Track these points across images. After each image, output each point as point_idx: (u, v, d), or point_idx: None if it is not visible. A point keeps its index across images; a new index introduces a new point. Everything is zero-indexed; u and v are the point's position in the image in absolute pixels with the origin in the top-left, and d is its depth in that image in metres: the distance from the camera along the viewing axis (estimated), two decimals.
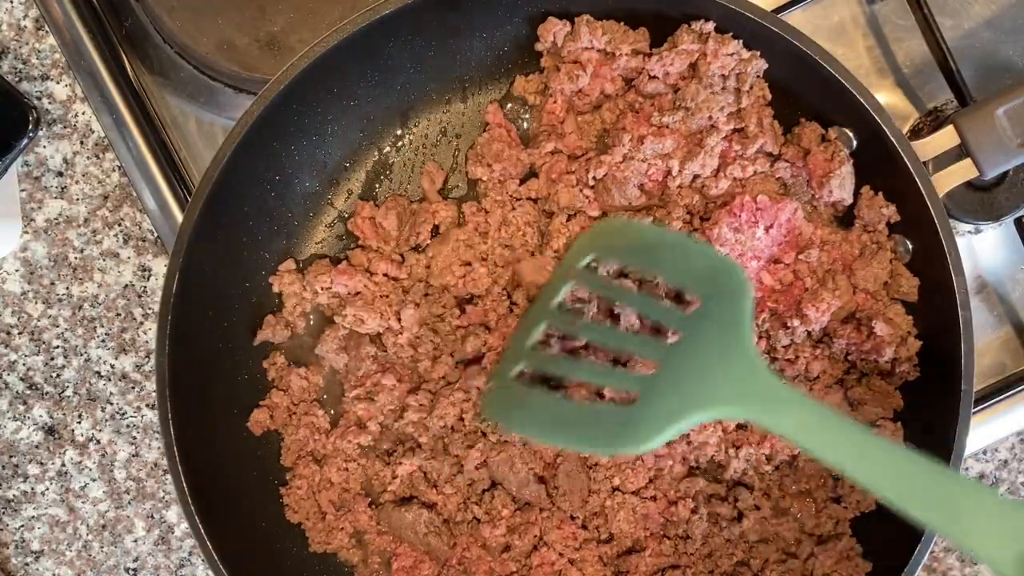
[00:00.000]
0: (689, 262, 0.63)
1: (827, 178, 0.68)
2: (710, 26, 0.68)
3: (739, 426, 0.71)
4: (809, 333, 0.69)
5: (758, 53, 0.68)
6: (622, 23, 0.70)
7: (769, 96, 0.70)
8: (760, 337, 0.69)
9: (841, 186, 0.68)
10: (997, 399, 0.80)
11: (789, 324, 0.67)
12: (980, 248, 0.81)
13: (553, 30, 0.70)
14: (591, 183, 0.70)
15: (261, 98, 0.66)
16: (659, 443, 0.59)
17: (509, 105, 0.76)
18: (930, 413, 0.68)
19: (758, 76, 0.69)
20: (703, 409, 0.58)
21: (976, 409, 0.79)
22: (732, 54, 0.68)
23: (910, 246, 0.69)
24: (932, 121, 0.78)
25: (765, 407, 0.56)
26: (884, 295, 0.69)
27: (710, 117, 0.68)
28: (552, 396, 0.68)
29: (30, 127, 0.74)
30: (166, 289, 0.67)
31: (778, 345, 0.69)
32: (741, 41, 0.68)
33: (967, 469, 0.83)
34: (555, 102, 0.71)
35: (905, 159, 0.65)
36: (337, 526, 0.73)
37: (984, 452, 0.83)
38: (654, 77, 0.69)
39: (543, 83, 0.73)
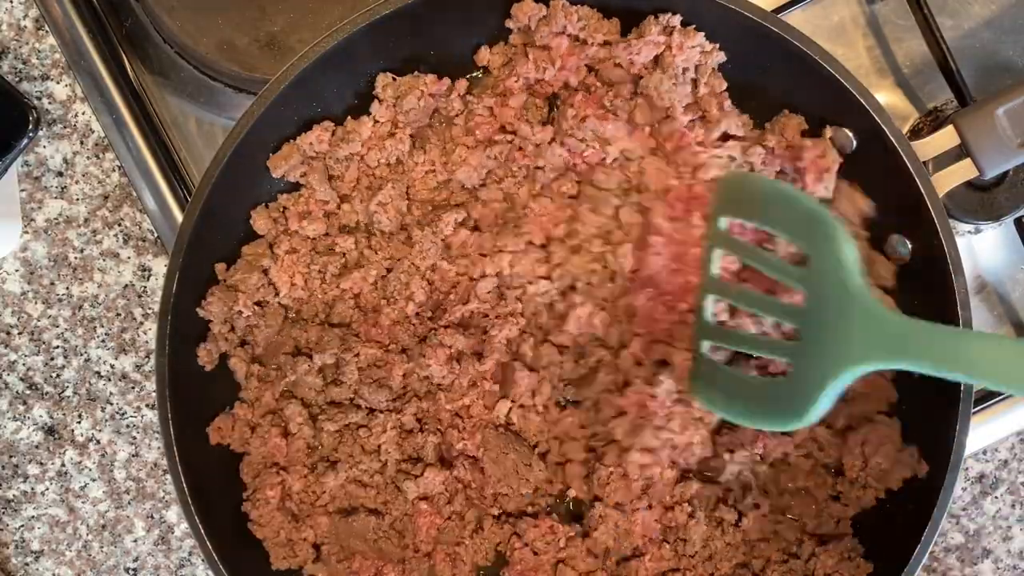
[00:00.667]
0: (790, 213, 0.62)
1: (822, 176, 0.68)
2: (677, 19, 0.68)
3: (726, 426, 0.71)
4: None
5: (718, 46, 0.69)
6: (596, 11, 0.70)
7: (724, 85, 0.70)
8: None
9: (827, 186, 0.68)
10: (997, 399, 0.80)
11: None
12: (980, 248, 0.81)
13: (528, 12, 0.69)
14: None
15: (261, 98, 0.66)
16: (815, 417, 0.58)
17: None
18: (930, 413, 0.68)
19: (714, 68, 0.70)
20: (846, 368, 0.57)
21: (976, 409, 0.79)
22: (696, 47, 0.68)
23: (909, 246, 0.69)
24: (932, 121, 0.78)
25: (904, 351, 0.55)
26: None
27: (668, 108, 0.69)
28: (734, 373, 0.68)
29: (30, 127, 0.74)
30: (166, 289, 0.67)
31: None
32: (704, 34, 0.68)
33: (967, 469, 0.83)
34: (516, 82, 0.71)
35: (905, 159, 0.65)
36: (299, 538, 0.73)
37: (984, 452, 0.83)
38: (618, 65, 0.70)
39: (508, 56, 0.72)
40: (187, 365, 0.70)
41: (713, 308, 0.68)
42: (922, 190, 0.65)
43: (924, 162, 0.66)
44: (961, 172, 0.67)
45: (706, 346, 0.68)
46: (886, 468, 0.69)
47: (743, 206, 0.65)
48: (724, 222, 0.66)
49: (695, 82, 0.70)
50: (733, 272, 0.69)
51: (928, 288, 0.68)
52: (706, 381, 0.68)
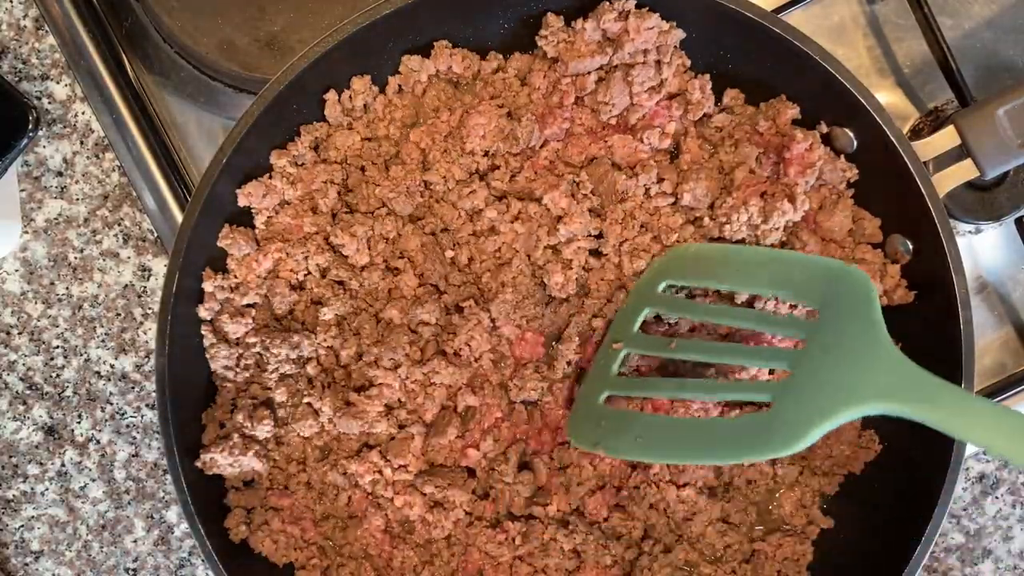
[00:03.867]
0: (800, 274, 0.64)
1: (805, 172, 0.68)
2: (631, 3, 0.68)
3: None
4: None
5: (674, 23, 0.69)
6: None
7: (688, 63, 0.71)
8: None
9: (808, 181, 0.69)
10: (998, 399, 0.80)
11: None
12: (980, 248, 0.81)
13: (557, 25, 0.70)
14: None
15: (261, 98, 0.65)
16: (808, 443, 0.59)
17: None
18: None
19: (676, 47, 0.70)
20: (856, 406, 0.58)
21: None
22: (652, 27, 0.68)
23: (910, 246, 0.68)
24: (932, 121, 0.78)
25: (916, 400, 0.57)
26: (851, 242, 0.70)
27: (631, 100, 0.70)
28: (663, 418, 0.69)
29: (30, 127, 0.74)
30: (166, 289, 0.67)
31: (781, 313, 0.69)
32: (659, 14, 0.69)
33: (967, 469, 0.83)
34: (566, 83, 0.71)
35: (905, 159, 0.65)
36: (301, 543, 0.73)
37: (985, 452, 0.83)
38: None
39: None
40: (187, 364, 0.69)
41: (620, 362, 0.69)
42: (923, 190, 0.65)
43: (924, 162, 0.66)
44: (962, 172, 0.66)
45: (603, 396, 0.68)
46: (848, 454, 0.71)
47: (703, 272, 0.67)
48: (662, 285, 0.68)
49: (659, 64, 0.70)
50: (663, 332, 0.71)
51: (930, 288, 0.68)
52: (611, 431, 0.67)
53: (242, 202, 0.69)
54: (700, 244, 0.70)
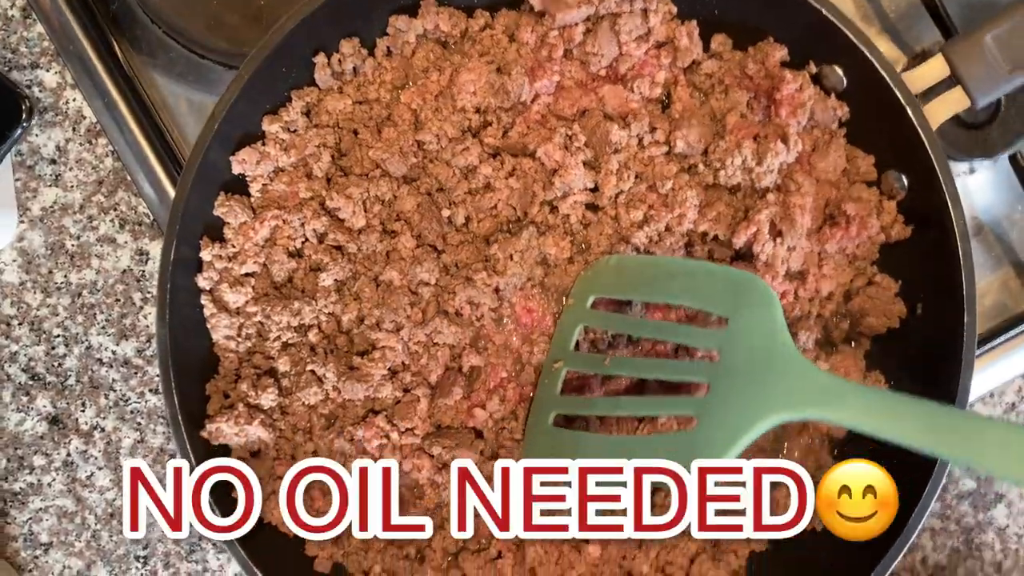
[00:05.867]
0: (707, 285, 0.66)
1: (796, 112, 0.68)
2: None
3: None
4: (791, 264, 0.70)
5: None
6: None
7: (675, 10, 0.71)
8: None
9: (800, 122, 0.69)
10: (1000, 340, 0.80)
11: (784, 232, 0.68)
12: (975, 189, 0.81)
13: None
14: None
15: (251, 60, 0.66)
16: (734, 455, 0.61)
17: None
18: (931, 356, 0.68)
19: None
20: (766, 417, 0.60)
21: (980, 351, 0.79)
22: None
23: (906, 181, 0.69)
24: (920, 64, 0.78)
25: (825, 404, 0.59)
26: (846, 182, 0.70)
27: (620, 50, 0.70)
28: (600, 437, 0.69)
29: (23, 117, 0.74)
30: (163, 257, 0.66)
31: (779, 259, 0.69)
32: None
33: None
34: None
35: (896, 92, 0.65)
36: None
37: (991, 395, 0.83)
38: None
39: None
40: (189, 336, 0.69)
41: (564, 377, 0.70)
42: (915, 122, 0.65)
43: (915, 95, 0.66)
44: (953, 102, 0.67)
45: (551, 417, 0.69)
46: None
47: (635, 284, 0.68)
48: (590, 300, 0.69)
49: (645, 12, 0.70)
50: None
51: (927, 222, 0.68)
52: (550, 451, 0.68)
53: (236, 169, 0.69)
54: (622, 256, 0.71)
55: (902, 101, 0.65)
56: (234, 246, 0.70)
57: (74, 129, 0.83)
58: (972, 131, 0.76)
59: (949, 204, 0.65)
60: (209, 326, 0.70)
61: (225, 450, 0.71)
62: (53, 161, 0.83)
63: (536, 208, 0.70)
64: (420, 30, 0.71)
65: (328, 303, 0.70)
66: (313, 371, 0.70)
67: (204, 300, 0.70)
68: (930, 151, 0.65)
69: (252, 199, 0.70)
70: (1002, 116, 0.76)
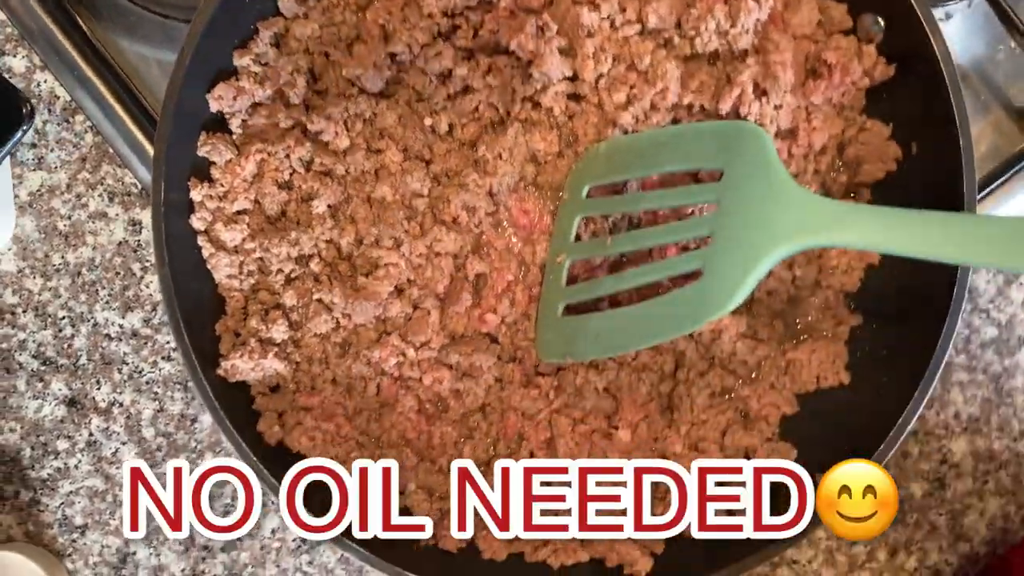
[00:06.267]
0: (696, 143, 0.66)
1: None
2: None
3: None
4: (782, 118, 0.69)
5: None
6: None
7: None
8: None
9: None
10: (1000, 180, 0.79)
11: (768, 90, 0.68)
12: (954, 34, 0.80)
13: None
14: None
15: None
16: (743, 295, 0.60)
17: None
18: (935, 198, 0.67)
19: None
20: (774, 248, 0.60)
21: (981, 195, 0.79)
22: None
23: (881, 23, 0.68)
24: None
25: (826, 228, 0.59)
26: (823, 34, 0.70)
27: None
28: (609, 314, 0.69)
29: (24, 119, 0.73)
30: (154, 198, 0.66)
31: (767, 118, 0.69)
32: None
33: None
34: None
35: None
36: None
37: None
38: None
39: None
40: (191, 281, 0.69)
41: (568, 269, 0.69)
42: None
43: None
44: None
45: (560, 308, 0.69)
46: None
47: (625, 163, 0.68)
48: (585, 190, 0.69)
49: None
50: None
51: (910, 59, 0.67)
52: (562, 341, 0.69)
53: (214, 107, 0.69)
54: (609, 140, 0.70)
55: None
56: (223, 185, 0.69)
57: (49, 110, 0.83)
58: None
59: (928, 33, 0.64)
60: (210, 267, 0.69)
61: (244, 388, 0.70)
62: (33, 145, 0.82)
63: (518, 105, 0.70)
64: None
65: (325, 230, 0.70)
66: (320, 300, 0.70)
67: (201, 241, 0.69)
68: None
69: (234, 136, 0.70)
70: None
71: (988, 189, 0.79)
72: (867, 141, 0.69)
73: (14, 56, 0.83)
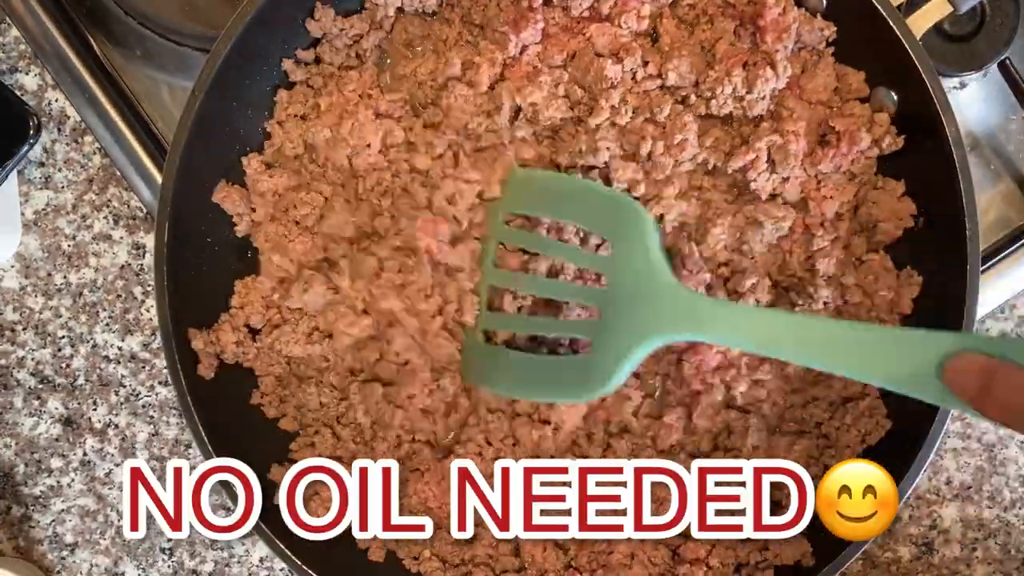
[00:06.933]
0: (591, 206, 0.66)
1: (781, 36, 0.67)
2: None
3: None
4: (789, 182, 0.69)
5: None
6: None
7: None
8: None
9: (787, 46, 0.68)
10: (1007, 252, 0.79)
11: (777, 162, 0.68)
12: (968, 103, 0.80)
13: None
14: None
15: (223, 38, 0.65)
16: (619, 381, 0.63)
17: None
18: (939, 273, 0.67)
19: None
20: (646, 341, 0.62)
21: (986, 266, 0.78)
22: None
23: (895, 96, 0.68)
24: None
25: (698, 324, 0.61)
26: (839, 100, 0.69)
27: None
28: (524, 356, 0.70)
29: (31, 134, 0.73)
30: (158, 234, 0.67)
31: (775, 184, 0.69)
32: None
33: (987, 329, 0.82)
34: None
35: (875, 3, 0.64)
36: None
37: (1001, 310, 0.82)
38: None
39: None
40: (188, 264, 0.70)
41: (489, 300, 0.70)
42: (897, 32, 0.64)
43: (898, 6, 0.65)
44: (935, 9, 0.66)
45: (480, 333, 0.70)
46: (892, 298, 0.69)
47: (537, 201, 0.69)
48: (502, 216, 0.69)
49: None
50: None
51: (921, 132, 0.67)
52: (488, 367, 0.70)
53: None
54: (528, 171, 0.70)
55: (883, 13, 0.64)
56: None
57: (59, 130, 0.83)
58: (959, 44, 0.76)
59: (938, 108, 0.64)
60: None
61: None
62: (41, 164, 0.83)
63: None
64: (398, 3, 0.71)
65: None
66: None
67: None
68: (915, 61, 0.63)
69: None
70: (987, 25, 0.75)
71: (995, 260, 0.79)
72: (879, 199, 0.69)
73: (27, 74, 0.83)
